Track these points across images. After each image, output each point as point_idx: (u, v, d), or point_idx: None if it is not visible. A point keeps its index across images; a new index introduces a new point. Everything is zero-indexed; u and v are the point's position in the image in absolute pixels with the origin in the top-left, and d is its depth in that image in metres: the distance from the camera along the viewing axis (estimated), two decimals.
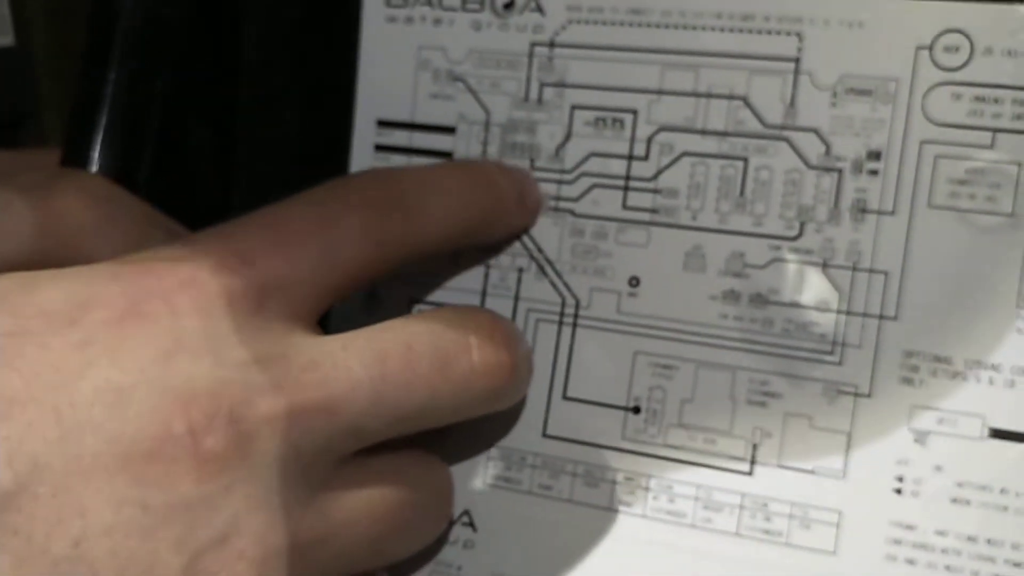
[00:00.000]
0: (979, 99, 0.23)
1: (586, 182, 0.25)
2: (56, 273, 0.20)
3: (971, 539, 0.22)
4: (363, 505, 0.22)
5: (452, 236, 0.23)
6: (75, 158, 0.27)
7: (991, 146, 0.22)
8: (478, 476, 0.25)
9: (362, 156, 0.27)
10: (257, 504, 0.19)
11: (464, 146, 0.26)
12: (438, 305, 0.26)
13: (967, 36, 0.23)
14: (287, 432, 0.20)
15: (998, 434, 0.22)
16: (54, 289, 0.19)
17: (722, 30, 0.24)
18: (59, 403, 0.18)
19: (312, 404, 0.20)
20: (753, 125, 0.24)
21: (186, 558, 0.18)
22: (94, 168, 0.27)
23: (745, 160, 0.24)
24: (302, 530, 0.20)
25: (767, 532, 0.24)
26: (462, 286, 0.26)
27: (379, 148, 0.27)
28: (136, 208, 0.25)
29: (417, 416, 0.22)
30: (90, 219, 0.23)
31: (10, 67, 0.35)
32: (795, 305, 0.24)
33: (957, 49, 0.23)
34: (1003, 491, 0.22)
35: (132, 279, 0.19)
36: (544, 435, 0.25)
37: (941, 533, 0.22)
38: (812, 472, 0.23)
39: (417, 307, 0.26)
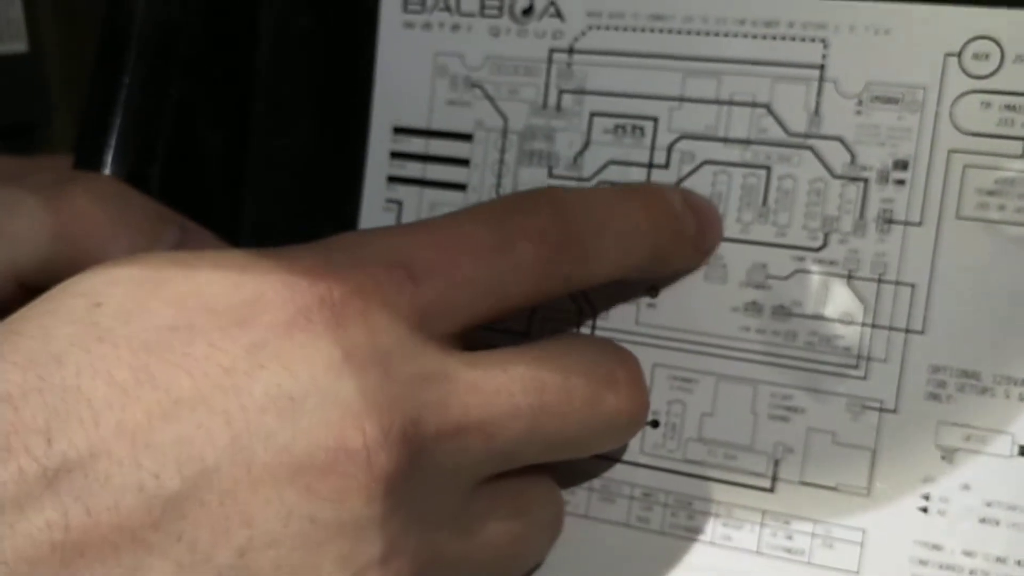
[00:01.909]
0: (1009, 107, 0.22)
1: None
2: (216, 259, 0.19)
3: (1000, 560, 0.22)
4: (500, 524, 0.22)
5: (616, 275, 0.23)
6: (87, 164, 0.26)
7: (1022, 155, 0.22)
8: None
9: (378, 164, 0.27)
10: (417, 522, 0.19)
11: (481, 153, 0.26)
12: None
13: (997, 43, 0.22)
14: (452, 452, 0.20)
15: None
16: (218, 282, 0.19)
17: (745, 36, 0.24)
18: (229, 407, 0.17)
19: (473, 426, 0.20)
20: (776, 133, 0.24)
21: (348, 574, 0.18)
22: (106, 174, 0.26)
23: (768, 169, 0.24)
24: (450, 548, 0.20)
25: (789, 551, 0.23)
26: None
27: (395, 155, 0.27)
28: (148, 206, 0.24)
29: (564, 446, 0.22)
30: (102, 218, 0.23)
31: (23, 73, 0.35)
32: (819, 318, 0.23)
33: (987, 56, 0.22)
34: None
35: (301, 284, 0.19)
36: None
37: (969, 554, 0.22)
38: (835, 489, 0.23)
39: None
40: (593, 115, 0.25)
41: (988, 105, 0.22)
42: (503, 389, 0.20)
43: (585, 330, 0.25)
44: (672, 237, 0.23)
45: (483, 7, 0.26)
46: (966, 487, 0.22)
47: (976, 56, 0.22)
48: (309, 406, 0.18)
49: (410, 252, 0.20)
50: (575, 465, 0.24)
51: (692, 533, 0.24)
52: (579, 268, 0.22)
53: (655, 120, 0.24)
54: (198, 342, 0.18)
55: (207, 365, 0.18)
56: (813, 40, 0.23)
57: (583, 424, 0.21)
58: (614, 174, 0.25)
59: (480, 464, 0.21)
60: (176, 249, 0.23)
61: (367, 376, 0.18)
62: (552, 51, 0.25)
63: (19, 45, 0.34)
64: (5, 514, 0.16)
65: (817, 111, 0.23)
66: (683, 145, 0.24)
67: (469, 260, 0.21)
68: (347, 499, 0.18)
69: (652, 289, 0.24)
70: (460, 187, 0.26)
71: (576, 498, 0.24)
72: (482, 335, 0.25)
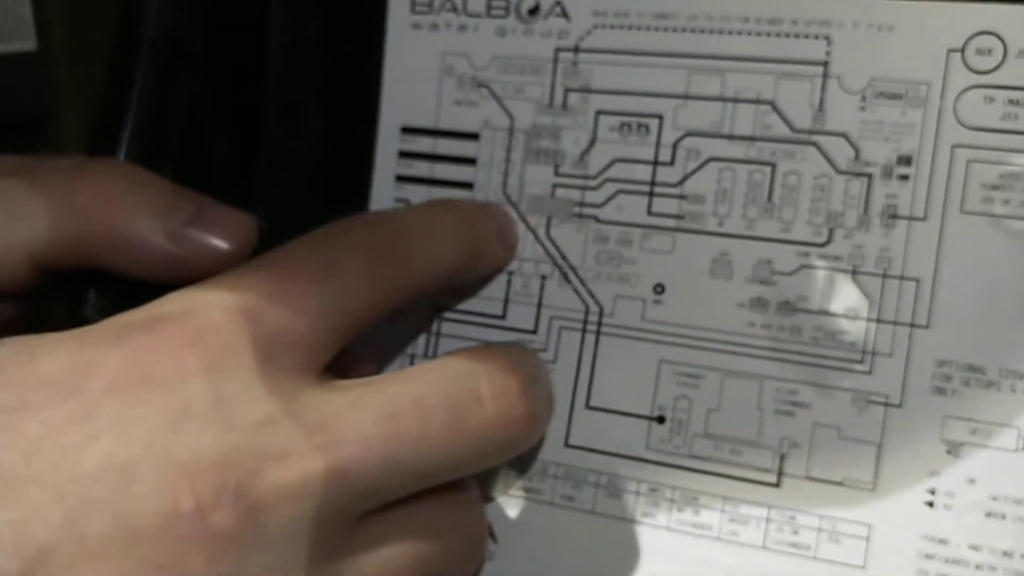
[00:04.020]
0: (1013, 102, 0.22)
1: (611, 188, 0.25)
2: (59, 337, 0.19)
3: (1006, 554, 0.22)
4: (387, 561, 0.21)
5: (443, 275, 0.24)
6: None
7: None
8: (499, 486, 0.25)
9: (386, 163, 0.27)
10: (278, 571, 0.19)
11: (488, 152, 0.26)
12: (461, 313, 0.26)
13: (1000, 38, 0.22)
14: (299, 500, 0.19)
15: None
16: (55, 355, 0.19)
17: (749, 34, 0.24)
18: (61, 482, 0.18)
19: (323, 469, 0.19)
20: (781, 130, 0.24)
21: None
22: None
23: (773, 165, 0.24)
24: None
25: (795, 546, 0.23)
26: (484, 294, 0.26)
27: (403, 155, 0.27)
28: (163, 184, 0.24)
29: (434, 471, 0.21)
30: (118, 195, 0.23)
31: (32, 71, 0.35)
32: (824, 313, 0.23)
33: (990, 51, 0.22)
34: None
35: (135, 341, 0.19)
36: (566, 445, 0.25)
37: (975, 548, 0.22)
38: (841, 484, 0.23)
39: (440, 318, 0.26)
40: (599, 113, 0.25)
41: (992, 100, 0.22)
42: (351, 424, 0.20)
43: (591, 327, 0.25)
44: (477, 238, 0.25)
45: (489, 7, 0.26)
46: (972, 481, 0.22)
47: (979, 51, 0.22)
48: (142, 472, 0.18)
49: (246, 290, 0.20)
50: (580, 462, 0.25)
51: (698, 528, 0.24)
52: (407, 269, 0.23)
53: (660, 118, 0.25)
54: (30, 420, 0.18)
55: (39, 442, 0.18)
56: (817, 37, 0.23)
57: (448, 447, 0.21)
58: (620, 172, 0.25)
59: (343, 505, 0.20)
60: (193, 224, 0.23)
61: (204, 432, 0.19)
62: (558, 50, 0.25)
63: (28, 43, 0.34)
64: None
65: (821, 107, 0.23)
66: (688, 142, 0.24)
67: (303, 285, 0.21)
68: (186, 563, 0.18)
69: (658, 286, 0.24)
70: (467, 186, 0.26)
71: (582, 494, 0.25)
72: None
